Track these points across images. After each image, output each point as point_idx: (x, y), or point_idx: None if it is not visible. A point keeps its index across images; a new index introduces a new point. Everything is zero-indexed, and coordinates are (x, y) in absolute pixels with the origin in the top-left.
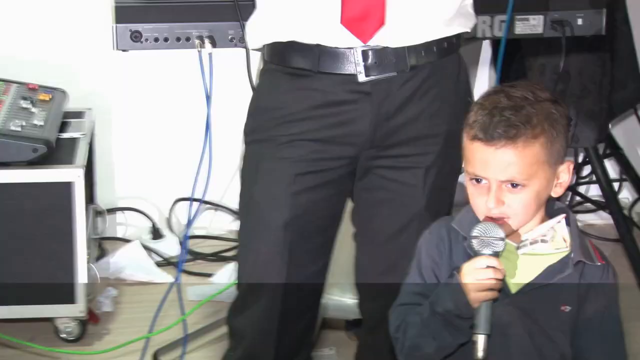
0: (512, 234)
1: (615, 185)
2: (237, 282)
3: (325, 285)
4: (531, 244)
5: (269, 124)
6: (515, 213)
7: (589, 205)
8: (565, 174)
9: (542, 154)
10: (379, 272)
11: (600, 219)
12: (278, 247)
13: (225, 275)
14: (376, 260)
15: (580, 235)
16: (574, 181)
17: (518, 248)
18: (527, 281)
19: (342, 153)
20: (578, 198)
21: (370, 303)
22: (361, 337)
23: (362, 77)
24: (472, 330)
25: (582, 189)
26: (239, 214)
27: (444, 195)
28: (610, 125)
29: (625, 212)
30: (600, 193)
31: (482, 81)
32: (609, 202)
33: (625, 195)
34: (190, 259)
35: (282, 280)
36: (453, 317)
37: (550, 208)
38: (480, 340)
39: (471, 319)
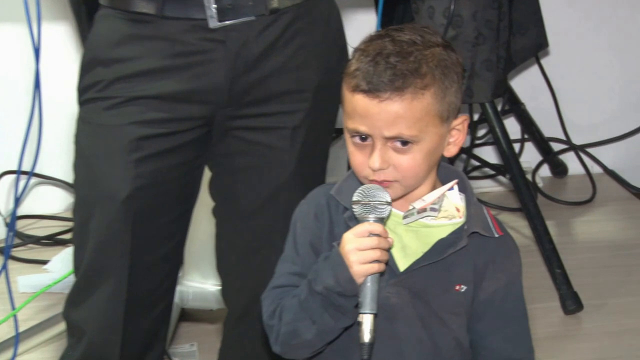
0: (399, 199)
1: (516, 146)
2: (74, 268)
3: (182, 269)
4: (419, 212)
5: (105, 80)
6: (404, 175)
7: (486, 169)
8: (459, 131)
9: (433, 107)
10: (244, 251)
11: (500, 185)
12: (120, 224)
13: (62, 261)
14: (240, 237)
15: (476, 203)
16: (469, 142)
17: (404, 217)
18: (416, 257)
19: (195, 112)
20: (474, 162)
21: (236, 289)
22: (226, 329)
23: (213, 23)
24: (356, 310)
25: (478, 151)
26: (73, 188)
27: (316, 159)
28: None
29: (528, 176)
30: (499, 155)
31: (364, 29)
32: (509, 166)
33: (528, 157)
34: (19, 243)
35: (126, 264)
36: (334, 296)
37: (443, 172)
38: (367, 321)
39: (355, 297)
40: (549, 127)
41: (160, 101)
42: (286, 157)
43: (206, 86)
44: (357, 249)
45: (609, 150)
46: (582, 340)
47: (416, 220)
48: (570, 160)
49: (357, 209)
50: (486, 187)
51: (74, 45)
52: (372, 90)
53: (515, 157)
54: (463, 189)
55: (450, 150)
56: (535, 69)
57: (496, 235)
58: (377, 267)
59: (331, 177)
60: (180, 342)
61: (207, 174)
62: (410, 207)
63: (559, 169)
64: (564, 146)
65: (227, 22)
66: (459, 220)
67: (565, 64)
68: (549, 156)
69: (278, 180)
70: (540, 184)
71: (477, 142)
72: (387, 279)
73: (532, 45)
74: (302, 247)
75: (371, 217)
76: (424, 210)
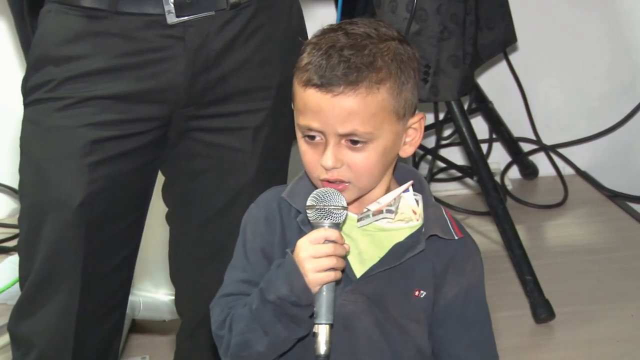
0: (353, 202)
1: (484, 146)
2: (21, 278)
3: (134, 278)
4: (374, 215)
5: (56, 79)
6: (358, 175)
7: (453, 171)
8: (416, 130)
9: (388, 102)
10: (200, 259)
11: (467, 188)
12: (73, 232)
13: (5, 270)
14: (196, 244)
15: (434, 204)
16: (434, 143)
17: (359, 220)
18: (372, 263)
19: (152, 113)
20: (440, 163)
21: (190, 299)
22: (179, 341)
23: (171, 18)
24: (311, 321)
25: (444, 152)
26: (19, 193)
27: (279, 161)
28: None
29: (497, 178)
30: (466, 157)
31: (324, 23)
32: (477, 168)
33: (496, 158)
34: None
35: (80, 273)
36: (288, 306)
37: (399, 173)
38: (322, 332)
39: (310, 307)
40: (518, 127)
41: (115, 101)
42: (247, 158)
43: (164, 85)
44: (312, 257)
45: (581, 151)
46: (554, 350)
47: (371, 222)
48: (540, 161)
49: (311, 214)
50: (452, 189)
51: (13, 43)
52: (325, 84)
53: (483, 158)
54: (420, 189)
55: (407, 151)
56: (503, 65)
57: (456, 238)
58: (333, 276)
59: (293, 179)
60: (131, 354)
61: (159, 178)
62: (365, 210)
63: (529, 171)
64: (534, 146)
65: (186, 17)
66: (416, 223)
67: (534, 60)
68: (519, 157)
69: (238, 183)
70: (509, 186)
71: (443, 142)
72: (343, 286)
73: (500, 40)
74: (252, 253)
75: (326, 222)
76: (379, 212)
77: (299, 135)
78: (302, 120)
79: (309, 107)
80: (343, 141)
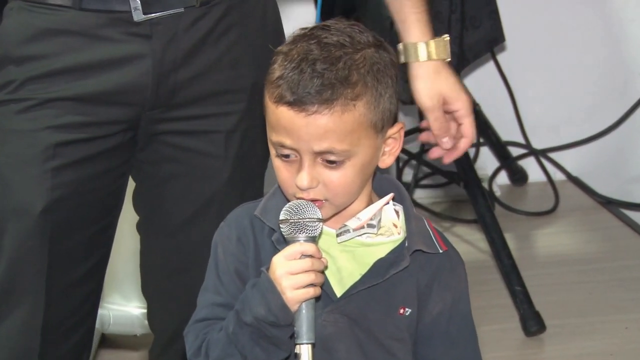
0: (330, 218)
1: (471, 151)
2: None
3: (103, 290)
4: (354, 230)
5: (17, 80)
6: (335, 193)
7: (438, 177)
8: (395, 139)
9: (366, 117)
10: (172, 270)
11: (453, 195)
12: (35, 240)
13: None
14: (168, 255)
15: (416, 216)
16: (418, 148)
17: (338, 235)
18: (353, 280)
19: (117, 115)
20: (425, 169)
21: (163, 312)
22: (152, 356)
23: (138, 16)
24: (291, 342)
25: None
26: None
27: (253, 167)
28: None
29: (484, 185)
30: (452, 162)
31: (303, 23)
32: (464, 173)
33: (484, 163)
34: None
35: (43, 285)
36: (266, 327)
37: (377, 183)
38: (305, 352)
39: (290, 327)
40: (506, 130)
41: (79, 103)
42: (220, 164)
43: (130, 86)
44: (289, 273)
45: (572, 155)
46: None
47: (352, 238)
48: (530, 166)
49: (285, 229)
50: (438, 196)
51: None
52: (298, 102)
53: (470, 163)
54: (400, 200)
55: (386, 162)
56: (490, 66)
57: (440, 251)
58: (312, 292)
59: (269, 187)
60: None
61: (130, 184)
62: (343, 226)
63: (518, 176)
64: (523, 151)
65: (154, 14)
66: (397, 237)
67: (523, 60)
68: (507, 162)
69: (210, 190)
70: (497, 193)
71: (428, 147)
72: (322, 306)
73: (487, 39)
74: (225, 274)
75: (302, 236)
76: (361, 227)
77: (272, 151)
78: (274, 137)
79: (281, 124)
80: (319, 159)
